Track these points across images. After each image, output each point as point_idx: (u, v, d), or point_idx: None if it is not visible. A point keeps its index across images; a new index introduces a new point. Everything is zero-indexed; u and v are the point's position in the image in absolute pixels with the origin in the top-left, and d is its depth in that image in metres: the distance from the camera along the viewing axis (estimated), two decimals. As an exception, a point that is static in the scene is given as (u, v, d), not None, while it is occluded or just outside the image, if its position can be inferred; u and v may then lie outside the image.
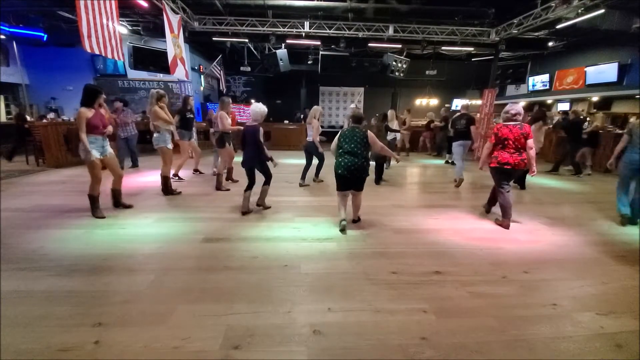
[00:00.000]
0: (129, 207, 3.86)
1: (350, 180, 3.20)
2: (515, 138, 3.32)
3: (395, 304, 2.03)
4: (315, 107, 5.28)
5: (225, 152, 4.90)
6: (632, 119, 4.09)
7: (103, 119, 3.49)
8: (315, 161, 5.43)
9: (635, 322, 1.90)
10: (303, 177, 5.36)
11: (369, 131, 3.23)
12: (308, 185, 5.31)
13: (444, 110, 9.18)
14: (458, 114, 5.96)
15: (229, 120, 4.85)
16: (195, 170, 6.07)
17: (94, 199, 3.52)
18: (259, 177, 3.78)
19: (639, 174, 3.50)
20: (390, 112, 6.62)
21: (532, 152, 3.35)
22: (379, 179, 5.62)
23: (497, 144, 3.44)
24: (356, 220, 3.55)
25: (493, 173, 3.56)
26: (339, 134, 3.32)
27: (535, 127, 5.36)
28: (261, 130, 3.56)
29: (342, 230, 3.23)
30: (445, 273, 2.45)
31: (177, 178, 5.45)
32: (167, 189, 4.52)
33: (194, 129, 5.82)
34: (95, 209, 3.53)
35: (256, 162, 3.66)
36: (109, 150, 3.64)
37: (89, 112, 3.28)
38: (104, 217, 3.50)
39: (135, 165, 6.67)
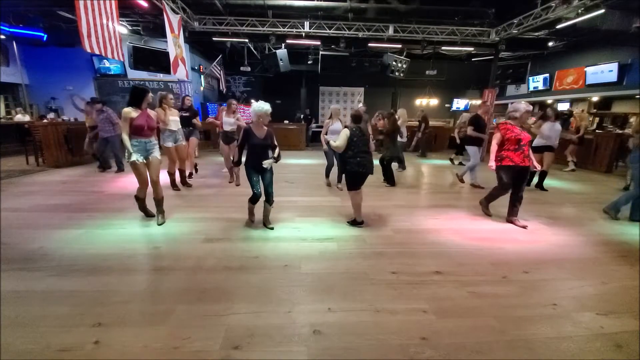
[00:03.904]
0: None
1: (366, 176, 3.31)
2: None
3: (395, 304, 2.03)
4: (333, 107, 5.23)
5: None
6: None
7: (150, 120, 3.25)
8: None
9: (635, 322, 1.90)
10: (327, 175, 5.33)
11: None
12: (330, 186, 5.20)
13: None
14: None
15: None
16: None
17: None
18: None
19: None
20: (400, 111, 6.76)
21: (492, 145, 3.57)
22: (392, 180, 5.45)
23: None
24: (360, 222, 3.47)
25: None
26: (349, 134, 3.25)
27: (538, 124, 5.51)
28: (242, 130, 3.21)
29: (361, 223, 3.41)
30: (445, 273, 2.45)
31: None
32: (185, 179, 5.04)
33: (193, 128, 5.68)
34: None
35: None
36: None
37: (134, 113, 3.10)
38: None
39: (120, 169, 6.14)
